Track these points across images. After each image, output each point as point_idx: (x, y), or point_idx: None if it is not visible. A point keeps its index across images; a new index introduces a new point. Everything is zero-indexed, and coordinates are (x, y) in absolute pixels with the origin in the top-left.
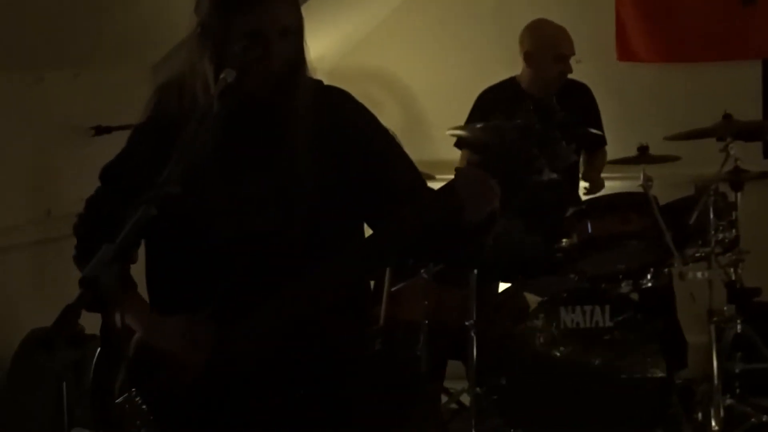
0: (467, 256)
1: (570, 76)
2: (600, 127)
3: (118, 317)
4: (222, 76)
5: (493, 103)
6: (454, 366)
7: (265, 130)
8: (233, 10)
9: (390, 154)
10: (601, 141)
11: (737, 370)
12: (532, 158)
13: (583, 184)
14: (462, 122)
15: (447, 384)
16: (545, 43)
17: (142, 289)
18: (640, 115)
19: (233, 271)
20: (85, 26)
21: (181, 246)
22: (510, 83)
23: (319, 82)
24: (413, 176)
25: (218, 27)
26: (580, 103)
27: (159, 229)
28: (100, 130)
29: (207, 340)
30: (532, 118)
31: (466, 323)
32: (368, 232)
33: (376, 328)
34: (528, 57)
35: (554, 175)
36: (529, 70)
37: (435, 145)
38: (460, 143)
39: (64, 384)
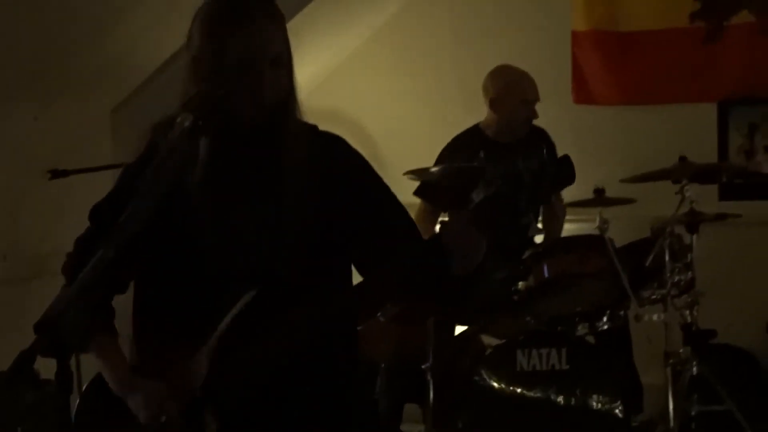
0: (454, 304)
1: None
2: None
3: (74, 361)
4: (178, 120)
5: (459, 151)
6: (411, 409)
7: (259, 167)
8: (223, 40)
9: (384, 201)
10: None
11: (693, 412)
12: (521, 214)
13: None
14: (421, 166)
15: (404, 427)
16: (511, 89)
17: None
18: (597, 156)
19: (221, 307)
20: (46, 68)
21: (169, 280)
22: (475, 131)
23: (314, 126)
24: (407, 224)
25: (209, 58)
26: (543, 148)
27: (149, 261)
28: (57, 174)
29: (173, 413)
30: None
31: (423, 366)
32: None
33: None
34: (493, 103)
35: (540, 233)
36: (495, 116)
37: (393, 188)
38: (419, 192)
39: (19, 429)
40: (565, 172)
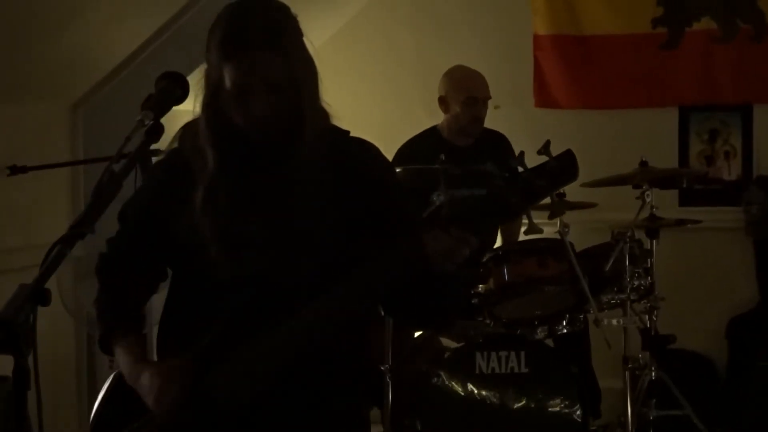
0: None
1: (489, 122)
2: None
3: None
4: (139, 118)
5: (414, 155)
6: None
7: (271, 173)
8: (224, 59)
9: (403, 218)
10: None
11: (651, 417)
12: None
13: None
14: None
15: None
16: (456, 87)
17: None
18: None
19: (231, 312)
20: (4, 65)
21: (188, 284)
22: (431, 133)
23: (346, 132)
24: (417, 243)
25: (214, 71)
26: (499, 152)
27: (174, 266)
28: (16, 170)
29: (176, 387)
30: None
31: (382, 367)
32: None
33: None
34: (442, 102)
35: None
36: (446, 115)
37: None
38: None
39: None
40: (566, 167)
